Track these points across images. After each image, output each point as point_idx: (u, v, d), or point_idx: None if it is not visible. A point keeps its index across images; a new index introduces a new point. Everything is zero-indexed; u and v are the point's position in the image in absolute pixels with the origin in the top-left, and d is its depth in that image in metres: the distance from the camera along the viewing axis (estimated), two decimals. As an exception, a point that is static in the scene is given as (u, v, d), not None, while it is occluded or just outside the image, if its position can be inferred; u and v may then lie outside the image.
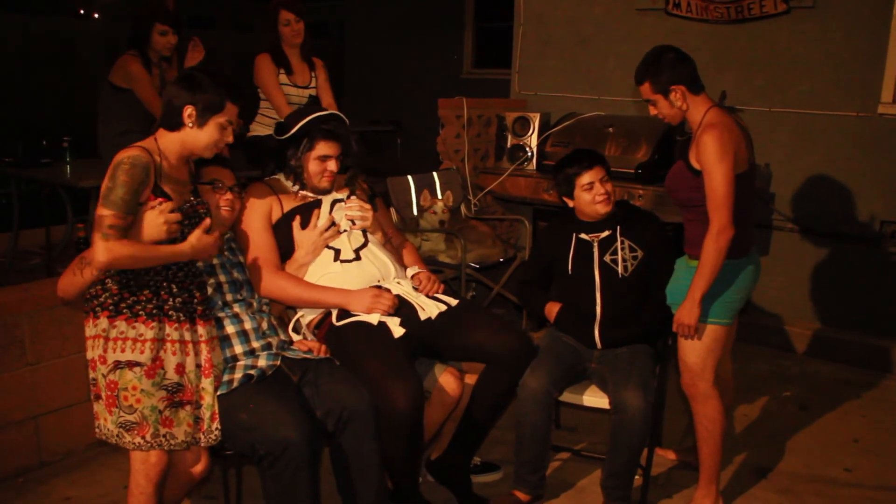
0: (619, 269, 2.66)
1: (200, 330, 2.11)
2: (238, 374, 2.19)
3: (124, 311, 2.00)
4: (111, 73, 3.78)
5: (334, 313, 2.50)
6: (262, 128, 3.91)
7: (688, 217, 2.49)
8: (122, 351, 1.99)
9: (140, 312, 2.01)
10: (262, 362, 2.24)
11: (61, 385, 2.80)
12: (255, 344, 2.30)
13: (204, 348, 2.11)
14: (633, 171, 3.90)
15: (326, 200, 2.64)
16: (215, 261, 2.32)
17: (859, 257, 4.10)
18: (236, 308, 2.32)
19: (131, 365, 1.98)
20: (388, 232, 2.80)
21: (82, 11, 12.98)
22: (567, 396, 2.66)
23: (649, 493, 2.71)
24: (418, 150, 6.13)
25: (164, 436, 2.02)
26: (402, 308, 2.50)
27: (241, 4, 13.84)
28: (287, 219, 2.58)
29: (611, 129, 4.12)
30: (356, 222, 2.63)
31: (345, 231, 2.60)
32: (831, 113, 4.08)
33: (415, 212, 4.01)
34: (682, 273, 2.53)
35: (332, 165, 2.59)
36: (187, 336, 2.07)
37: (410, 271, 2.72)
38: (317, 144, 2.57)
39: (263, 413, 2.10)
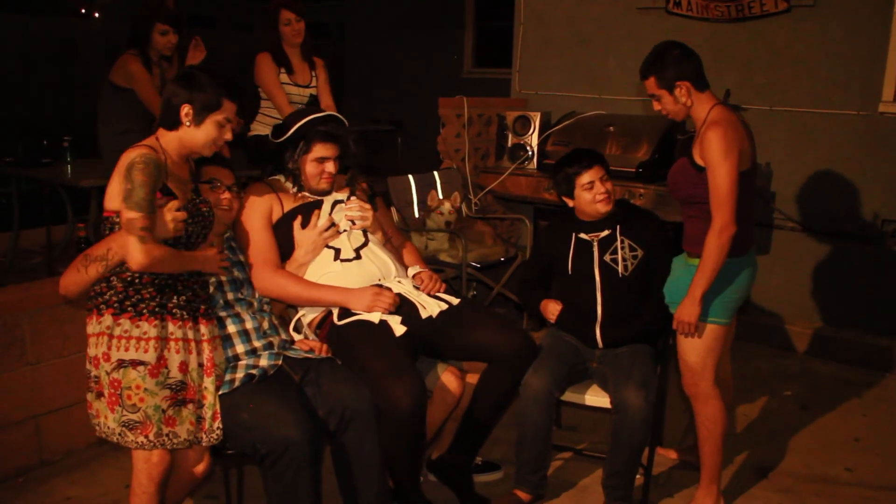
0: (620, 269, 2.66)
1: (203, 329, 2.11)
2: (240, 374, 2.19)
3: (129, 308, 2.00)
4: (111, 72, 3.78)
5: (335, 312, 2.50)
6: (262, 127, 3.91)
7: (689, 214, 2.49)
8: (126, 350, 1.98)
9: (144, 311, 2.01)
10: (263, 362, 2.24)
11: (62, 384, 2.80)
12: (257, 343, 2.30)
13: (206, 347, 2.11)
14: (633, 170, 3.89)
15: (328, 201, 2.64)
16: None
17: (860, 256, 4.10)
18: (237, 307, 2.32)
19: (135, 364, 1.98)
20: (388, 232, 2.79)
21: (83, 11, 12.98)
22: (569, 396, 2.66)
23: (650, 493, 2.71)
24: (419, 149, 6.12)
25: (167, 435, 2.02)
26: (403, 306, 2.50)
27: (241, 4, 13.84)
28: (288, 218, 2.58)
29: (611, 128, 4.12)
30: (356, 222, 2.62)
31: (344, 231, 2.60)
32: (832, 111, 4.08)
33: (416, 211, 4.01)
34: (680, 272, 2.53)
35: (329, 167, 2.59)
36: (190, 334, 2.07)
37: (411, 271, 2.72)
38: (314, 146, 2.56)
39: (265, 412, 2.10)
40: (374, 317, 2.43)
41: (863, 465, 3.02)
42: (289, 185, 2.65)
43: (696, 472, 2.68)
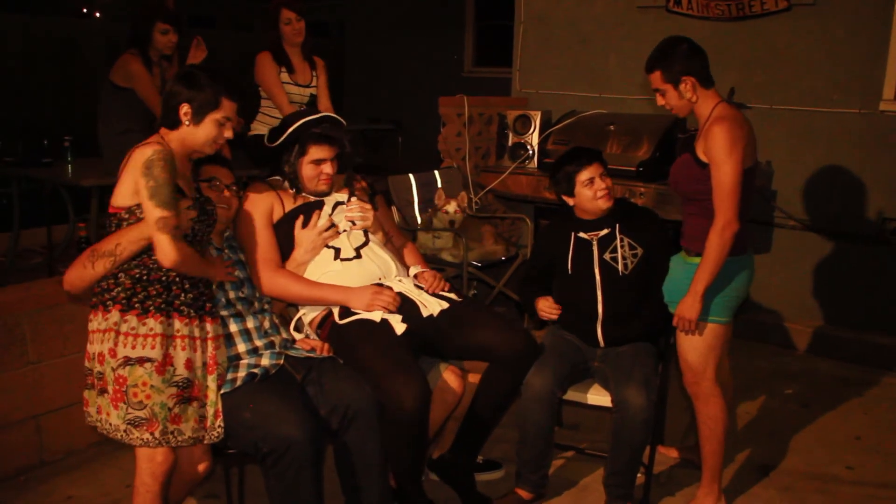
0: (620, 267, 2.65)
1: (208, 327, 2.12)
2: (241, 373, 2.19)
3: (136, 305, 2.00)
4: (112, 71, 3.78)
5: (336, 311, 2.50)
6: (262, 126, 3.91)
7: (689, 211, 2.49)
8: (133, 347, 1.98)
9: (150, 307, 2.01)
10: (265, 361, 2.25)
11: (63, 384, 2.80)
12: (258, 342, 2.30)
13: (210, 345, 2.12)
14: (634, 168, 3.89)
15: (329, 202, 2.63)
16: (214, 255, 2.32)
17: (861, 255, 4.10)
18: (239, 306, 2.32)
19: (142, 361, 1.98)
20: (389, 232, 2.79)
21: (85, 10, 12.97)
22: (571, 395, 2.66)
23: (651, 492, 2.70)
24: (419, 148, 6.13)
25: (172, 432, 2.02)
26: (404, 305, 2.50)
27: (241, 4, 13.83)
28: (289, 218, 2.57)
29: (612, 127, 4.12)
30: (356, 223, 2.62)
31: (344, 231, 2.59)
32: (832, 110, 4.07)
33: (416, 210, 4.01)
34: (678, 270, 2.52)
35: (327, 168, 2.58)
36: (196, 332, 2.08)
37: (412, 270, 2.72)
38: (309, 149, 2.56)
39: (267, 411, 2.10)
40: (375, 315, 2.43)
41: (863, 463, 3.01)
42: (287, 186, 2.64)
43: (697, 471, 2.68)
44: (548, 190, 4.10)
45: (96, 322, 2.03)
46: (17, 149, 4.48)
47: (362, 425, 2.26)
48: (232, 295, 2.31)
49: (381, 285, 2.53)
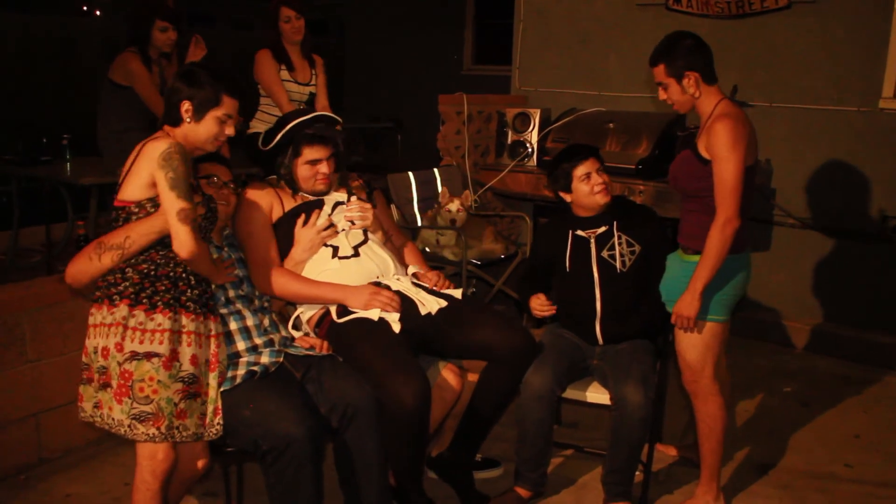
0: (617, 264, 2.65)
1: (211, 324, 2.13)
2: (241, 371, 2.19)
3: (143, 300, 2.00)
4: (111, 70, 3.77)
5: (333, 310, 2.50)
6: (261, 125, 3.90)
7: (688, 207, 2.49)
8: (141, 342, 1.98)
9: (158, 303, 2.01)
10: (264, 359, 2.25)
11: (62, 382, 2.80)
12: (258, 340, 2.30)
13: (212, 342, 2.12)
14: (633, 166, 3.89)
15: (329, 202, 2.63)
16: (214, 254, 2.32)
17: (860, 253, 4.09)
18: (238, 304, 2.32)
19: (149, 356, 1.98)
20: (389, 231, 2.78)
21: (85, 9, 12.95)
22: (570, 393, 2.66)
23: (650, 489, 2.70)
24: (419, 146, 6.12)
25: (178, 427, 2.02)
26: (402, 303, 2.50)
27: (241, 2, 13.81)
28: (289, 217, 2.57)
29: (611, 125, 4.12)
30: (356, 222, 2.62)
31: (343, 230, 2.59)
32: (832, 108, 4.07)
33: (415, 209, 4.01)
34: (675, 268, 2.52)
35: (323, 168, 2.58)
36: (202, 328, 2.08)
37: (411, 269, 2.72)
38: (303, 150, 2.55)
39: (267, 409, 2.11)
40: (373, 314, 2.43)
41: (863, 461, 3.01)
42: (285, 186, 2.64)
43: (695, 469, 2.68)
44: (547, 188, 4.10)
45: (100, 316, 2.02)
46: (16, 147, 4.48)
47: (361, 424, 2.26)
48: (231, 293, 2.31)
49: (378, 284, 2.53)
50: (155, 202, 2.01)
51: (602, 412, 2.88)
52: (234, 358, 2.23)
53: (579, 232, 2.71)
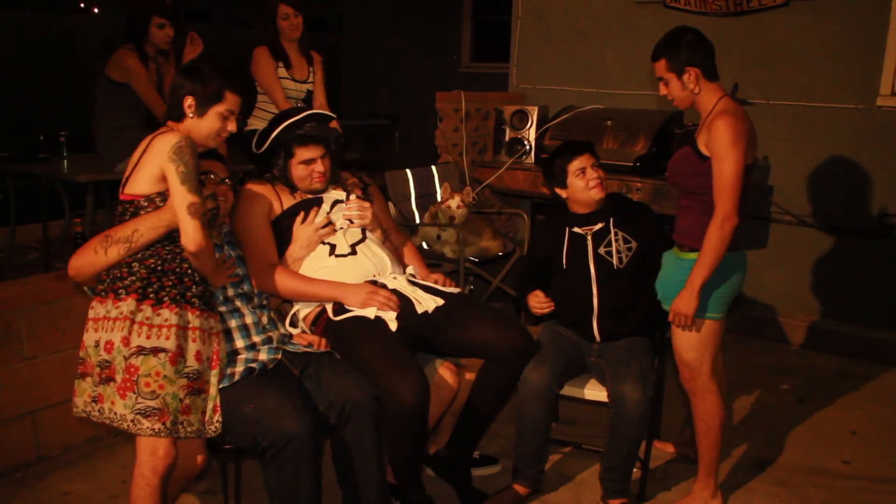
0: (614, 261, 2.65)
1: (212, 321, 2.13)
2: (239, 368, 2.19)
3: (150, 296, 2.00)
4: (107, 67, 3.76)
5: (329, 308, 2.49)
6: (259, 122, 3.90)
7: (685, 204, 2.48)
8: (148, 337, 1.98)
9: (165, 298, 2.01)
10: (263, 356, 2.25)
11: (59, 380, 2.79)
12: (256, 338, 2.30)
13: (214, 340, 2.12)
14: (631, 163, 3.89)
15: (328, 199, 2.63)
16: (216, 254, 2.32)
17: (858, 250, 4.10)
18: (237, 302, 2.31)
19: (156, 351, 1.97)
20: (388, 229, 2.78)
21: (82, 6, 12.92)
22: (568, 390, 2.66)
23: (647, 486, 2.71)
24: (416, 144, 6.12)
25: (182, 423, 2.01)
26: (398, 302, 2.49)
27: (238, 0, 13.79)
28: (288, 214, 2.57)
29: (609, 123, 4.12)
30: (354, 221, 2.61)
31: (341, 228, 2.59)
32: (830, 105, 4.07)
33: (413, 206, 4.01)
34: (671, 266, 2.52)
35: (318, 167, 2.57)
36: (206, 325, 2.09)
37: (410, 270, 2.71)
38: (296, 151, 2.55)
39: (266, 406, 2.10)
40: (370, 312, 2.42)
41: (860, 457, 3.02)
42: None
43: (693, 466, 2.68)
44: (543, 185, 4.10)
45: (103, 310, 2.01)
46: (12, 144, 4.47)
47: (360, 421, 2.26)
48: (231, 292, 2.31)
49: (374, 283, 2.53)
50: (164, 196, 2.02)
51: (600, 409, 2.88)
52: (232, 356, 2.23)
53: (576, 229, 2.71)
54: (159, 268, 2.03)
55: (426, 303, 2.49)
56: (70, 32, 8.67)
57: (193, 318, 2.05)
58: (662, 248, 2.62)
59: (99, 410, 2.02)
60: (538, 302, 2.68)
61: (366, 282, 2.52)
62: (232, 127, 2.15)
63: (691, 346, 2.46)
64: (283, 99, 3.79)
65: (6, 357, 2.67)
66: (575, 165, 2.65)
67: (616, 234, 2.67)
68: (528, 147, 4.38)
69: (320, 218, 2.56)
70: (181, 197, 1.97)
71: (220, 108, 2.11)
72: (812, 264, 4.25)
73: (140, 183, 2.02)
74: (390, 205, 3.77)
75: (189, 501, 2.61)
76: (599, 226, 2.69)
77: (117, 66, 3.72)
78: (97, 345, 2.01)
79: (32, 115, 7.31)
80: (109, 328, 1.99)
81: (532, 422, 2.55)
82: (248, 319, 2.31)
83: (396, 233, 2.86)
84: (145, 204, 2.02)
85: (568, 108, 4.45)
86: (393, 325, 2.40)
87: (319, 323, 2.52)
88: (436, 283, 2.63)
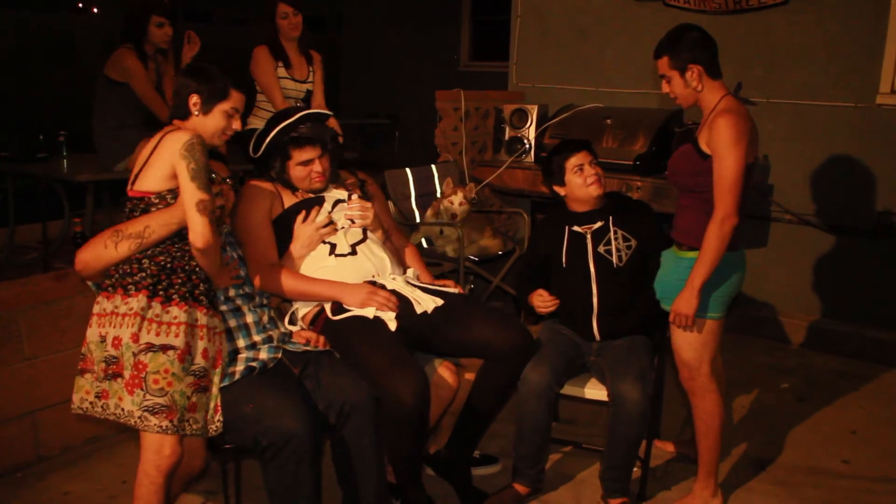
0: (614, 260, 2.65)
1: (216, 320, 2.13)
2: (240, 367, 2.19)
3: (160, 293, 2.00)
4: (106, 66, 3.76)
5: (328, 308, 2.49)
6: (258, 121, 3.88)
7: (684, 203, 2.48)
8: (157, 334, 1.98)
9: (174, 296, 2.01)
10: (263, 355, 2.25)
11: (59, 380, 2.79)
12: (257, 337, 2.29)
13: (218, 338, 2.13)
14: (631, 162, 3.89)
15: (329, 199, 2.63)
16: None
17: (857, 249, 4.10)
18: (238, 301, 2.31)
19: (165, 348, 1.97)
20: (389, 230, 2.77)
21: (81, 5, 12.92)
22: (568, 389, 2.66)
23: (648, 486, 2.71)
24: (416, 143, 6.12)
25: (188, 420, 2.02)
26: (398, 302, 2.49)
27: (237, -1, 13.78)
28: (289, 214, 2.57)
29: (608, 121, 4.11)
30: (356, 221, 2.61)
31: (342, 228, 2.59)
32: (829, 104, 4.07)
33: (413, 205, 4.00)
34: (670, 266, 2.51)
35: (317, 167, 2.57)
36: (212, 323, 2.09)
37: (411, 272, 2.71)
38: (292, 153, 2.55)
39: (266, 405, 2.10)
40: (368, 312, 2.42)
41: (859, 457, 3.02)
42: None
43: (693, 465, 2.68)
44: (543, 183, 4.10)
45: (110, 305, 2.01)
46: (12, 144, 4.47)
47: (359, 420, 2.26)
48: (232, 292, 2.31)
49: (373, 283, 2.53)
50: (175, 193, 2.02)
51: (600, 408, 2.88)
52: (233, 355, 2.23)
53: (576, 228, 2.71)
54: (169, 265, 2.03)
55: (425, 303, 2.49)
56: (69, 32, 8.66)
57: (201, 316, 2.06)
58: (662, 247, 2.61)
59: (103, 406, 2.01)
60: (543, 301, 2.68)
61: (365, 282, 2.52)
62: (236, 125, 2.17)
63: (691, 345, 2.46)
64: (282, 99, 3.78)
65: (6, 357, 2.67)
66: (572, 162, 2.65)
67: (615, 232, 2.67)
68: (527, 146, 4.38)
69: (321, 217, 2.55)
70: (191, 194, 1.97)
71: (225, 106, 2.13)
72: (812, 263, 4.25)
73: (151, 180, 2.03)
74: (390, 204, 3.77)
75: (189, 501, 2.61)
76: (599, 224, 2.68)
77: (116, 65, 3.71)
78: (103, 340, 2.00)
79: (32, 114, 7.30)
80: (118, 324, 1.99)
81: (532, 421, 2.55)
82: (249, 318, 2.31)
83: (398, 234, 2.86)
84: (157, 201, 2.03)
85: (567, 106, 4.45)
86: (392, 325, 2.39)
87: (318, 322, 2.51)
88: (444, 286, 2.62)
